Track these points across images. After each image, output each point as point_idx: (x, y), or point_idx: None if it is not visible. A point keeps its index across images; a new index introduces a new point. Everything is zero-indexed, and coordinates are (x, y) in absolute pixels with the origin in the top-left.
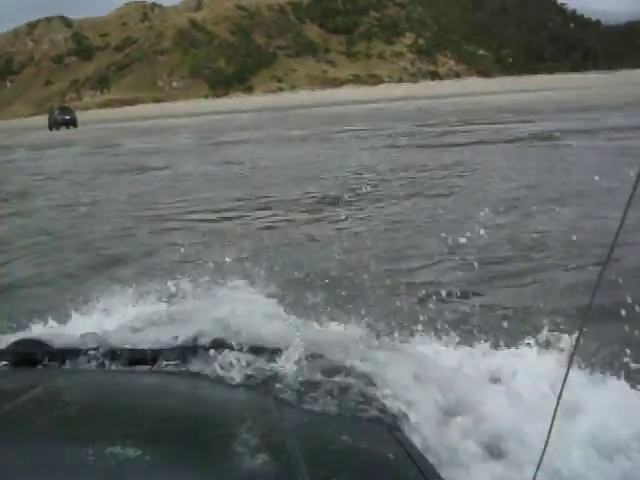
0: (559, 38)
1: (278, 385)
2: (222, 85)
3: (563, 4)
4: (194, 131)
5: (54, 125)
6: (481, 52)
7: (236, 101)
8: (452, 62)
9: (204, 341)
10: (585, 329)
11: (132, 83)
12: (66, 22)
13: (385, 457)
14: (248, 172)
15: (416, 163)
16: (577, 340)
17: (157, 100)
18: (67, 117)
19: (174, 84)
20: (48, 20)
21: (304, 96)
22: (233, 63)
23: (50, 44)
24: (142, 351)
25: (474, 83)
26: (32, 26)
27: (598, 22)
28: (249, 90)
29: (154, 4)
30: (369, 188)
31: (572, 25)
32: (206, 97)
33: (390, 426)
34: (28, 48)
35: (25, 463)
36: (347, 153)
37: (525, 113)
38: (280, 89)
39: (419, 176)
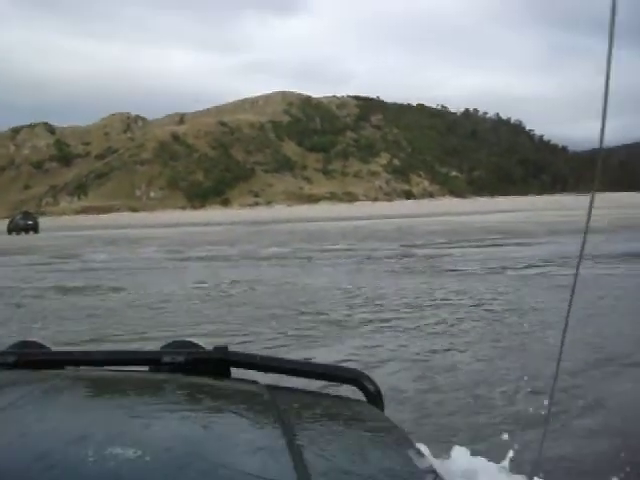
0: (528, 162)
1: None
2: (199, 197)
3: (531, 130)
4: (164, 244)
5: (14, 230)
6: (454, 173)
7: (212, 214)
8: (426, 182)
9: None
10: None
11: (110, 191)
12: (50, 129)
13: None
14: (213, 303)
15: (424, 297)
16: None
17: (134, 209)
18: (29, 222)
19: (152, 194)
20: (32, 126)
21: (280, 211)
22: (211, 176)
23: (32, 149)
24: (142, 351)
25: (449, 203)
26: (16, 131)
27: (564, 148)
28: (226, 203)
29: (138, 116)
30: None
31: (540, 149)
32: (183, 208)
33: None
34: (10, 152)
35: (25, 463)
36: (335, 279)
37: (515, 234)
38: (257, 203)
39: (431, 315)
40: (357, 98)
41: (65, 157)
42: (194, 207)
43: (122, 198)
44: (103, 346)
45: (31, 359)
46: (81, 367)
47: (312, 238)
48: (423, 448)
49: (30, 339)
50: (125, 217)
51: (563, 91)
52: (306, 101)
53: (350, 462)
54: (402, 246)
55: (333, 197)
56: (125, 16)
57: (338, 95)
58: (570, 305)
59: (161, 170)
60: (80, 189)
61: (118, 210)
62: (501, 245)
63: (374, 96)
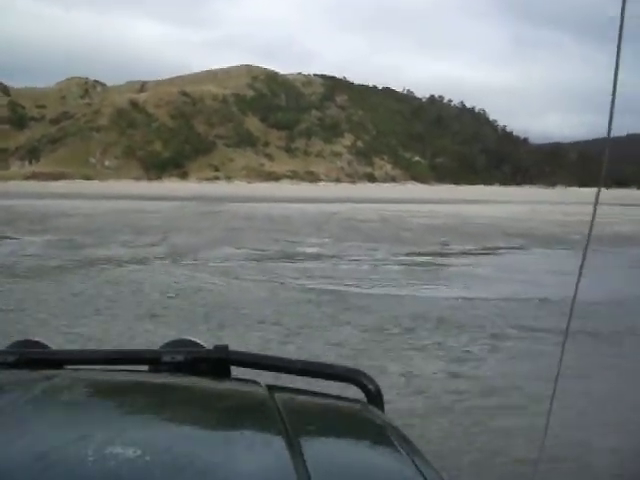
0: (490, 152)
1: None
2: (156, 168)
3: (494, 120)
4: (79, 226)
5: None
6: (416, 159)
7: (168, 186)
8: (388, 166)
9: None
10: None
11: (63, 157)
12: (3, 89)
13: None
14: None
15: None
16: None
17: (86, 177)
18: None
19: (107, 163)
20: None
21: (240, 188)
22: (170, 147)
23: None
24: (142, 350)
25: (416, 189)
26: None
27: (525, 140)
28: (184, 176)
29: (97, 82)
30: None
31: (501, 141)
32: (138, 179)
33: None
34: None
35: (25, 463)
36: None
37: (544, 238)
38: (216, 178)
39: None
40: (323, 77)
41: (19, 120)
42: (150, 178)
43: (76, 165)
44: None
45: (31, 358)
46: (81, 366)
47: (276, 228)
48: (422, 449)
49: (30, 338)
50: (72, 185)
51: (526, 83)
52: (271, 76)
53: (350, 462)
54: (414, 255)
55: (294, 176)
56: None
57: (304, 73)
58: (573, 303)
59: (118, 138)
60: (32, 154)
61: (70, 177)
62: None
63: (340, 77)
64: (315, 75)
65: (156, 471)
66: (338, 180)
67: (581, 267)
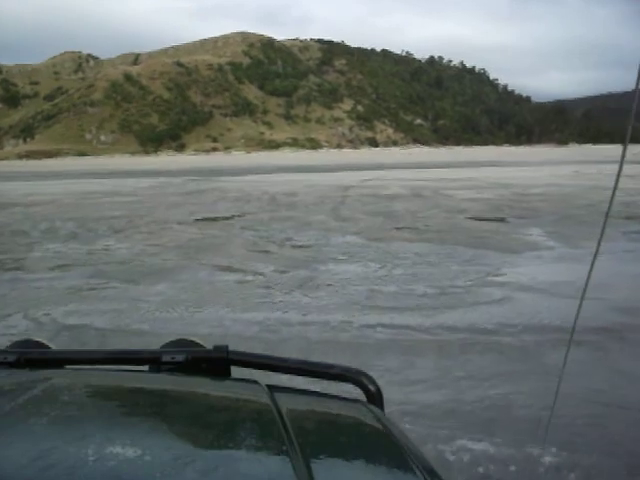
0: (492, 111)
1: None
2: (153, 141)
3: (495, 79)
4: (6, 224)
5: None
6: (418, 121)
7: (161, 160)
8: (390, 130)
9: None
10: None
11: (58, 134)
12: None
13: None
14: None
15: None
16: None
17: (81, 153)
18: None
19: (102, 138)
20: None
21: (238, 158)
22: (166, 119)
23: None
24: (142, 350)
25: (423, 152)
26: None
27: (528, 98)
28: (181, 148)
29: (90, 56)
30: None
31: (505, 100)
32: (133, 154)
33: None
34: None
35: (25, 463)
36: None
37: None
38: (214, 149)
39: None
40: (320, 42)
41: (12, 98)
42: (147, 152)
43: (71, 141)
44: None
45: (31, 358)
46: (81, 366)
47: (280, 217)
48: (423, 449)
49: (31, 338)
50: (59, 163)
51: (525, 41)
52: (267, 43)
53: (350, 462)
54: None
55: (295, 143)
56: None
57: (301, 38)
58: (589, 277)
59: (113, 112)
60: (26, 132)
61: (65, 154)
62: None
63: (338, 41)
64: (312, 40)
65: (156, 471)
66: (340, 146)
67: (602, 232)
